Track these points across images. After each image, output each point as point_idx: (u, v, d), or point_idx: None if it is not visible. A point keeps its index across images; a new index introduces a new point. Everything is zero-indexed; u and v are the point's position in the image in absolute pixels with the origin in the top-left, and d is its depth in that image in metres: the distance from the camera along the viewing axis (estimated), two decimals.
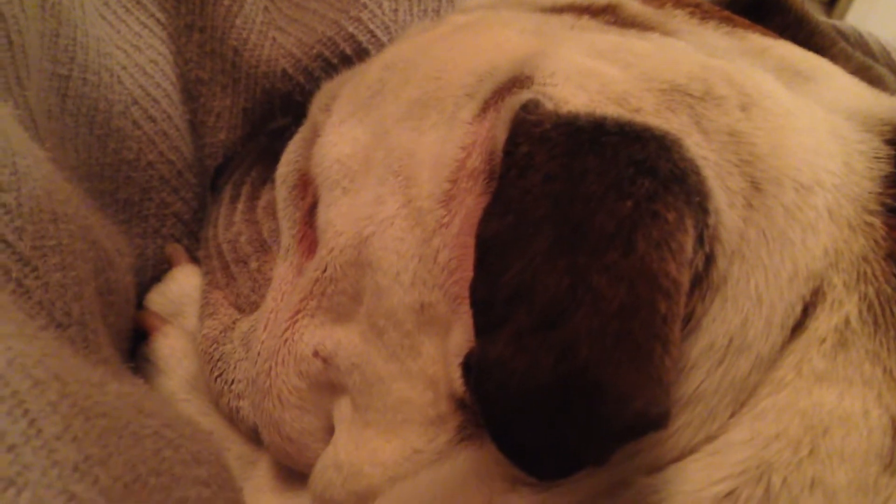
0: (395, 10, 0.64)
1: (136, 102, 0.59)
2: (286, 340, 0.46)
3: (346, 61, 0.63)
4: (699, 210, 0.32)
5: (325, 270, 0.44)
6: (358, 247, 0.42)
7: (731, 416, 0.34)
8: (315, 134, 0.50)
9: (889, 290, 0.35)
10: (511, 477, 0.36)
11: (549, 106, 0.36)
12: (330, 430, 0.46)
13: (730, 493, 0.33)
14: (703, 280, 0.33)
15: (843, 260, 0.35)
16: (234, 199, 0.58)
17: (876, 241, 0.36)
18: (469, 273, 0.34)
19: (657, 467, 0.34)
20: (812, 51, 0.48)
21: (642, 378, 0.29)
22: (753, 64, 0.42)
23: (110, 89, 0.56)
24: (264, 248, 0.55)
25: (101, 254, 0.45)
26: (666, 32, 0.45)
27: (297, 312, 0.46)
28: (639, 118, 0.36)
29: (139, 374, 0.51)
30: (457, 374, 0.37)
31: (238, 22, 0.62)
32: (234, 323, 0.54)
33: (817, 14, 0.58)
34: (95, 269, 0.44)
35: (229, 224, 0.57)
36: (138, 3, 0.62)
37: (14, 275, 0.36)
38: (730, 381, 0.34)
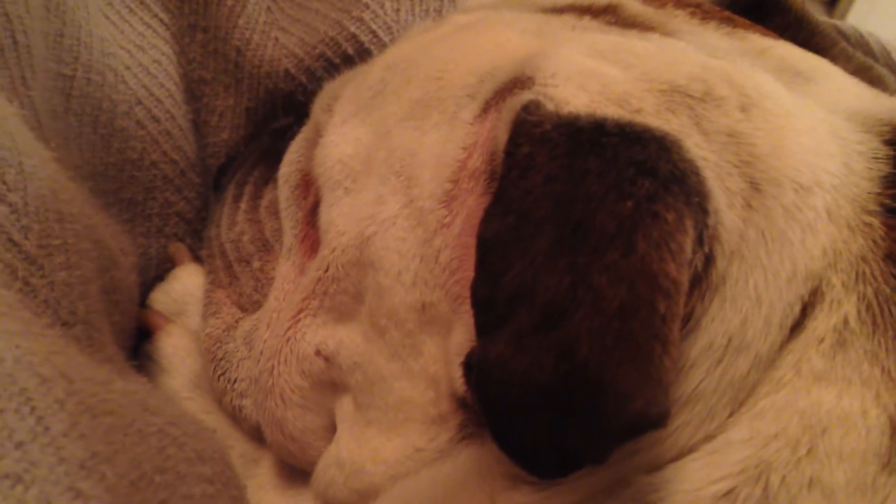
0: (398, 10, 0.65)
1: (139, 102, 0.59)
2: (288, 339, 0.46)
3: (349, 61, 0.63)
4: (699, 210, 0.32)
5: (327, 270, 0.44)
6: (360, 246, 0.43)
7: (730, 415, 0.35)
8: (317, 134, 0.50)
9: (887, 291, 0.35)
10: (512, 475, 0.36)
11: (550, 107, 0.36)
12: (332, 429, 0.46)
13: (729, 492, 0.33)
14: (702, 280, 0.33)
15: (841, 260, 0.36)
16: (237, 198, 0.58)
17: (874, 242, 0.36)
18: (470, 273, 0.34)
19: (656, 466, 0.35)
20: (812, 51, 0.48)
21: (642, 378, 0.29)
22: (754, 64, 0.43)
23: (114, 89, 0.57)
24: (267, 247, 0.56)
25: (106, 253, 0.46)
26: (666, 33, 0.45)
27: (300, 312, 0.46)
28: (639, 119, 0.36)
29: (143, 373, 0.51)
30: (458, 373, 0.37)
31: (241, 22, 0.63)
32: (236, 322, 0.54)
33: (818, 14, 0.58)
34: (100, 267, 0.44)
35: (232, 223, 0.57)
36: (142, 3, 0.62)
37: (20, 273, 0.36)
38: (729, 380, 0.34)
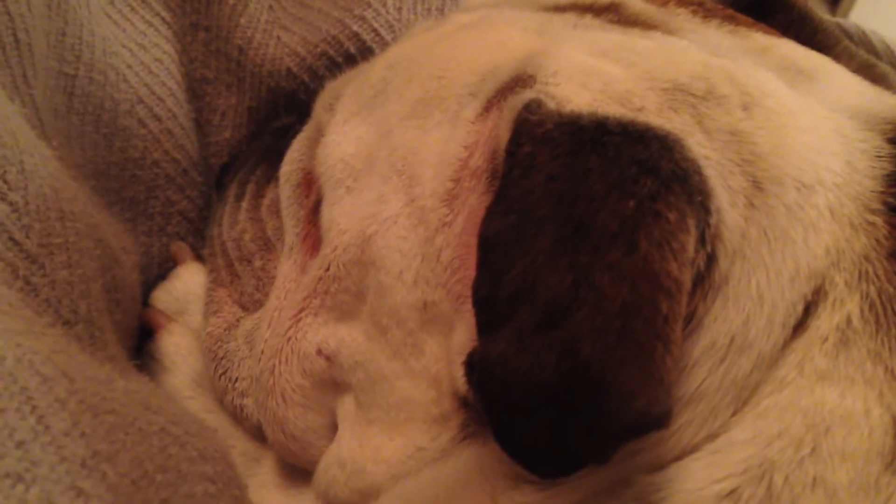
0: (400, 9, 0.65)
1: (141, 101, 0.59)
2: (290, 338, 0.46)
3: (351, 60, 0.63)
4: (701, 209, 0.32)
5: (328, 269, 0.44)
6: (361, 245, 0.43)
7: (733, 414, 0.35)
8: (319, 133, 0.50)
9: (891, 290, 0.35)
10: (514, 474, 0.36)
11: (552, 105, 0.36)
12: (333, 428, 0.46)
13: (732, 492, 0.33)
14: (704, 279, 0.33)
15: (844, 259, 0.35)
16: (239, 197, 0.58)
17: (878, 240, 0.36)
18: (472, 272, 0.34)
19: (659, 466, 0.34)
20: (815, 49, 0.48)
21: (644, 377, 0.29)
22: (756, 63, 0.42)
23: (116, 88, 0.57)
24: (268, 246, 0.56)
25: (108, 251, 0.46)
26: (668, 31, 0.45)
27: (301, 311, 0.46)
28: (641, 118, 0.36)
29: (144, 372, 0.51)
30: (460, 372, 0.37)
31: (243, 21, 0.63)
32: (238, 321, 0.54)
33: (821, 12, 0.58)
34: (102, 266, 0.44)
35: (234, 222, 0.57)
36: (143, 2, 0.62)
37: (22, 273, 0.36)
38: (731, 379, 0.34)
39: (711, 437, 0.34)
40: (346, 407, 0.44)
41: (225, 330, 0.54)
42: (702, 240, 0.32)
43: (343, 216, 0.44)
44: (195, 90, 0.64)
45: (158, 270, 0.62)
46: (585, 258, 0.30)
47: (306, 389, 0.46)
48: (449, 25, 0.49)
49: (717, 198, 0.33)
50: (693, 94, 0.37)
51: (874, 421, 0.33)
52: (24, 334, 0.30)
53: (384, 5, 0.64)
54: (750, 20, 0.48)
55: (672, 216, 0.31)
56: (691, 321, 0.34)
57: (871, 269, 0.35)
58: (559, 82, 0.38)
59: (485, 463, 0.37)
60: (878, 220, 0.36)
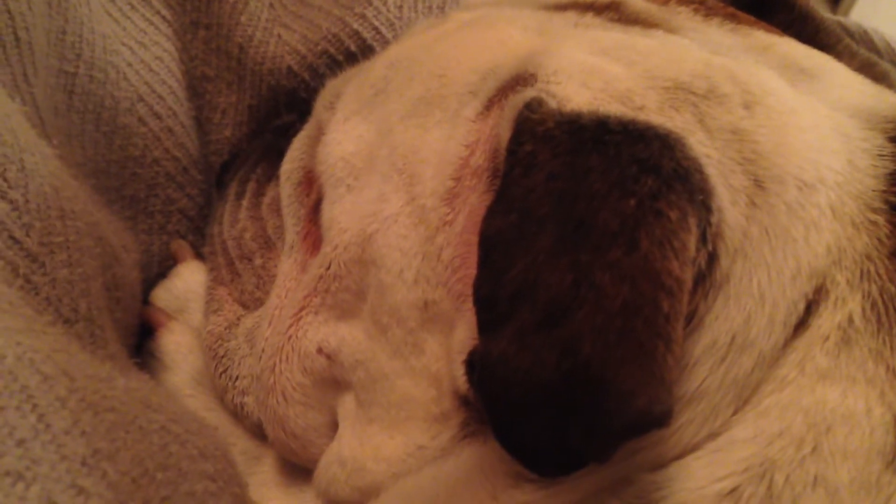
0: (400, 7, 0.64)
1: (141, 99, 0.59)
2: (290, 337, 0.46)
3: (351, 58, 0.63)
4: (702, 208, 0.32)
5: (329, 267, 0.44)
6: (362, 244, 0.43)
7: (734, 413, 0.35)
8: (320, 131, 0.50)
9: (892, 288, 0.35)
10: (515, 473, 0.36)
11: (553, 104, 0.36)
12: (334, 427, 0.46)
13: (733, 491, 0.33)
14: (706, 278, 0.33)
15: (846, 257, 0.35)
16: (240, 195, 0.58)
17: (879, 239, 0.36)
18: (472, 271, 0.34)
19: (660, 464, 0.34)
20: (816, 47, 0.48)
21: (645, 376, 0.29)
22: (757, 61, 0.42)
23: (116, 86, 0.57)
24: (269, 244, 0.56)
25: (108, 250, 0.46)
26: (670, 30, 0.45)
27: (302, 309, 0.46)
28: (642, 116, 0.36)
29: (145, 370, 0.51)
30: (460, 371, 0.37)
31: (243, 19, 0.63)
32: (238, 319, 0.54)
33: (822, 10, 0.58)
34: (102, 265, 0.44)
35: (234, 221, 0.57)
36: (144, 0, 0.62)
37: (22, 271, 0.36)
38: (732, 378, 0.34)
39: (712, 436, 0.34)
40: (346, 405, 0.44)
41: (225, 328, 0.54)
42: (703, 238, 0.32)
43: (344, 215, 0.44)
44: (196, 88, 0.64)
45: (159, 269, 0.62)
46: (586, 257, 0.30)
47: (307, 388, 0.46)
48: (450, 24, 0.49)
49: (718, 196, 0.33)
50: (694, 93, 0.37)
51: (875, 420, 0.33)
52: (25, 333, 0.30)
53: (385, 3, 0.64)
54: (751, 18, 0.48)
55: (673, 215, 0.31)
56: (692, 320, 0.34)
57: (872, 268, 0.35)
58: (560, 81, 0.38)
59: (485, 461, 0.37)
60: (880, 219, 0.36)
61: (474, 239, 0.35)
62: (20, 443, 0.25)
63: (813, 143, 0.37)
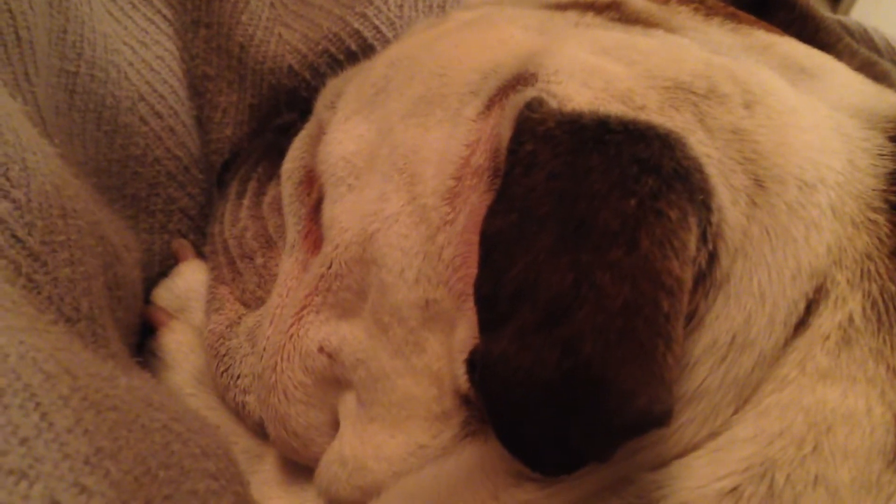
0: (401, 7, 0.64)
1: (142, 98, 0.59)
2: (291, 336, 0.46)
3: (352, 57, 0.63)
4: (702, 208, 0.32)
5: (330, 267, 0.44)
6: (363, 243, 0.43)
7: (735, 412, 0.35)
8: (320, 131, 0.50)
9: (893, 288, 0.35)
10: (516, 472, 0.36)
11: (553, 104, 0.36)
12: (335, 425, 0.46)
13: (733, 490, 0.33)
14: (706, 278, 0.33)
15: (846, 257, 0.35)
16: (240, 194, 0.58)
17: (880, 239, 0.36)
18: (473, 270, 0.34)
19: (661, 463, 0.35)
20: (817, 47, 0.48)
21: (645, 375, 0.29)
22: (758, 61, 0.42)
23: (117, 85, 0.57)
24: (270, 243, 0.56)
25: (109, 249, 0.46)
26: (670, 29, 0.45)
27: (303, 308, 0.46)
28: (643, 116, 0.36)
29: (146, 369, 0.51)
30: (461, 370, 0.37)
31: (244, 18, 0.63)
32: (239, 318, 0.54)
33: (822, 10, 0.58)
34: (104, 264, 0.44)
35: (235, 220, 0.57)
36: None
37: (24, 270, 0.36)
38: (733, 378, 0.34)
39: (713, 436, 0.34)
40: (347, 404, 0.44)
41: (227, 327, 0.54)
42: (703, 238, 0.32)
43: (345, 214, 0.44)
44: (196, 87, 0.64)
45: (160, 268, 0.62)
46: (587, 256, 0.30)
47: (308, 387, 0.46)
48: (450, 23, 0.49)
49: (718, 196, 0.33)
50: (694, 93, 0.37)
51: (876, 419, 0.33)
52: (27, 331, 0.30)
53: (386, 3, 0.64)
54: (752, 18, 0.48)
55: (673, 214, 0.31)
56: (692, 319, 0.34)
57: (872, 268, 0.35)
58: (561, 80, 0.38)
59: (486, 460, 0.37)
60: (880, 219, 0.36)
61: (475, 238, 0.35)
62: (23, 441, 0.26)
63: (813, 142, 0.37)
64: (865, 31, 0.72)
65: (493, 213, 0.34)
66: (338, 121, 0.48)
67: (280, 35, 0.63)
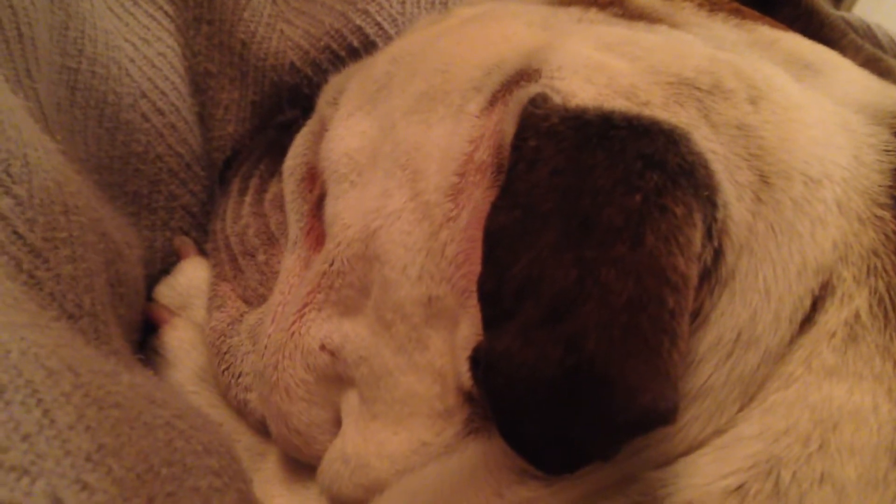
0: (403, 3, 0.64)
1: (144, 95, 0.59)
2: (293, 334, 0.46)
3: (354, 54, 0.63)
4: (708, 204, 0.32)
5: (332, 264, 0.44)
6: (365, 240, 0.42)
7: (740, 410, 0.34)
8: (323, 127, 0.50)
9: None
10: (520, 469, 0.36)
11: (557, 100, 0.36)
12: (337, 423, 0.46)
13: (739, 487, 0.33)
14: (711, 274, 0.33)
15: (852, 253, 0.35)
16: (243, 191, 0.58)
17: (886, 235, 0.36)
18: (477, 266, 0.34)
19: (665, 461, 0.34)
20: (821, 43, 0.47)
21: (650, 372, 0.29)
22: (762, 57, 0.42)
23: (119, 82, 0.57)
24: (272, 240, 0.56)
25: (111, 246, 0.46)
26: (674, 25, 0.44)
27: (305, 306, 0.46)
28: (647, 112, 0.36)
29: (148, 367, 0.51)
30: (464, 367, 0.37)
31: (246, 14, 0.63)
32: (241, 315, 0.54)
33: (826, 6, 0.58)
34: (106, 260, 0.44)
35: (237, 217, 0.57)
36: None
37: (26, 266, 0.36)
38: (738, 375, 0.34)
39: (718, 433, 0.34)
40: (350, 402, 0.44)
41: (228, 325, 0.54)
42: (708, 234, 0.32)
43: (347, 211, 0.44)
44: (198, 84, 0.64)
45: (162, 265, 0.62)
46: (591, 253, 0.30)
47: (310, 384, 0.46)
48: (452, 19, 0.49)
49: (723, 192, 0.33)
50: (699, 88, 0.37)
51: (882, 417, 0.33)
52: (29, 328, 0.30)
53: None
54: (756, 13, 0.48)
55: (678, 210, 0.30)
56: (698, 316, 0.34)
57: (879, 264, 0.35)
58: (564, 76, 0.38)
59: (490, 458, 0.37)
60: (886, 215, 0.36)
61: (478, 235, 0.35)
62: (25, 437, 0.25)
63: (818, 138, 0.37)
64: (869, 27, 0.72)
65: (496, 209, 0.34)
66: (340, 117, 0.48)
67: (282, 31, 0.63)
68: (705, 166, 0.32)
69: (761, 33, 0.45)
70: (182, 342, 0.57)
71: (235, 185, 0.59)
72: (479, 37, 0.45)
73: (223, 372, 0.53)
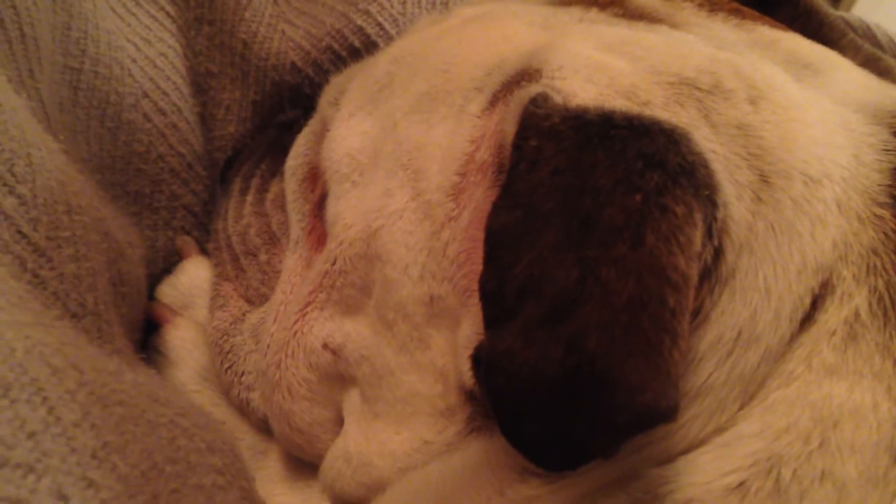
0: (404, 3, 0.64)
1: (146, 95, 0.59)
2: (296, 333, 0.46)
3: (355, 54, 0.63)
4: (708, 203, 0.32)
5: (334, 263, 0.44)
6: (367, 240, 0.43)
7: (741, 408, 0.35)
8: (324, 127, 0.50)
9: None
10: (521, 468, 0.36)
11: (558, 99, 0.36)
12: (340, 422, 0.46)
13: (740, 485, 0.33)
14: (711, 273, 0.33)
15: (852, 252, 0.35)
16: (244, 191, 0.58)
17: (885, 234, 0.36)
18: (478, 266, 0.34)
19: (667, 459, 0.35)
20: (821, 42, 0.48)
21: (651, 371, 0.29)
22: (762, 57, 0.42)
23: (121, 82, 0.57)
24: (273, 240, 0.56)
25: (114, 245, 0.46)
26: (674, 25, 0.45)
27: (307, 305, 0.46)
28: (647, 112, 0.36)
29: (150, 366, 0.52)
30: (466, 366, 0.37)
31: (247, 15, 0.63)
32: (243, 315, 0.54)
33: (825, 6, 0.58)
34: (108, 260, 0.44)
35: (239, 216, 0.57)
36: None
37: (29, 266, 0.36)
38: (738, 373, 0.34)
39: (719, 431, 0.34)
40: (351, 401, 0.44)
41: (231, 324, 0.54)
42: (708, 234, 0.32)
43: (349, 210, 0.44)
44: (200, 84, 0.64)
45: (164, 265, 0.62)
46: (592, 252, 0.30)
47: (312, 383, 0.46)
48: (453, 20, 0.49)
49: (723, 192, 0.33)
50: (699, 88, 0.37)
51: (882, 415, 0.33)
52: (34, 326, 0.30)
53: (388, 0, 0.64)
54: (755, 13, 0.48)
55: (679, 210, 0.31)
56: (698, 315, 0.34)
57: (879, 263, 0.35)
58: (565, 76, 0.38)
59: (492, 456, 0.37)
60: (886, 214, 0.36)
61: (480, 234, 0.35)
62: (31, 435, 0.26)
63: (818, 137, 0.37)
64: (868, 27, 0.72)
65: (497, 209, 0.34)
66: (341, 117, 0.48)
67: (283, 32, 0.63)
68: (705, 166, 0.33)
69: (761, 33, 0.45)
70: (184, 341, 0.57)
71: (237, 185, 0.59)
72: (480, 37, 0.45)
73: (225, 371, 0.53)
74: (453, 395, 0.39)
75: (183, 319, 0.58)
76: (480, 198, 0.39)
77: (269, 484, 0.50)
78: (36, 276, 0.36)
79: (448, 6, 0.66)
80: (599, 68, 0.38)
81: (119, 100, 0.56)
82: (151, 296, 0.59)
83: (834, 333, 0.35)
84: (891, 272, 0.35)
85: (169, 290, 0.60)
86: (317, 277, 0.46)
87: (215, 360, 0.54)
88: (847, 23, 0.67)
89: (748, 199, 0.35)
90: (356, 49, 0.64)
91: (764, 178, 0.35)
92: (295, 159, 0.53)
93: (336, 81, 0.53)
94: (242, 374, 0.52)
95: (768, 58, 0.42)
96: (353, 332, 0.44)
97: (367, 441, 0.42)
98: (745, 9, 0.48)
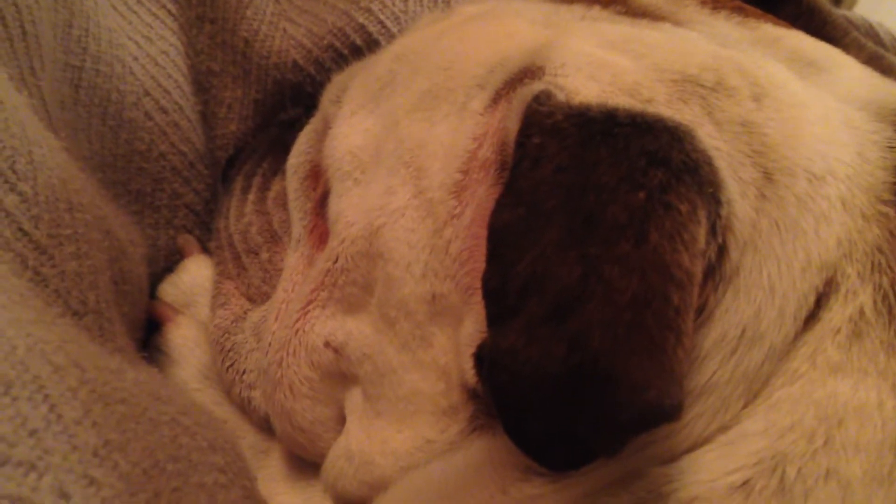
0: (405, 1, 0.64)
1: (147, 93, 0.59)
2: (297, 331, 0.46)
3: (357, 52, 0.63)
4: (712, 201, 0.32)
5: (336, 261, 0.44)
6: (369, 238, 0.42)
7: (745, 406, 0.34)
8: (326, 125, 0.50)
9: None
10: (524, 466, 0.36)
11: (561, 97, 0.36)
12: (341, 421, 0.46)
13: (744, 483, 0.33)
14: (715, 271, 0.33)
15: (856, 250, 0.35)
16: (246, 189, 0.58)
17: (890, 231, 0.36)
18: (481, 264, 0.34)
19: (671, 458, 0.34)
20: (824, 40, 0.48)
21: (655, 369, 0.29)
22: (765, 54, 0.42)
23: (122, 80, 0.57)
24: (275, 238, 0.56)
25: (115, 243, 0.46)
26: (677, 22, 0.44)
27: (309, 303, 0.46)
28: (651, 109, 0.36)
29: (152, 364, 0.51)
30: (469, 364, 0.37)
31: (249, 13, 0.63)
32: (245, 313, 0.54)
33: (828, 4, 0.58)
34: (110, 258, 0.44)
35: (240, 215, 0.57)
36: None
37: (31, 263, 0.36)
38: (743, 371, 0.34)
39: (723, 429, 0.34)
40: (354, 399, 0.44)
41: (232, 322, 0.54)
42: (713, 231, 0.32)
43: (351, 208, 0.44)
44: (201, 82, 0.64)
45: (165, 263, 0.62)
46: (595, 250, 0.30)
47: (314, 382, 0.46)
48: (455, 17, 0.49)
49: (727, 189, 0.33)
50: (703, 86, 0.37)
51: (887, 413, 0.33)
52: (35, 324, 0.30)
53: None
54: (759, 11, 0.48)
55: (683, 207, 0.31)
56: (702, 313, 0.34)
57: (883, 260, 0.35)
58: (568, 74, 0.38)
59: (494, 455, 0.37)
60: (891, 211, 0.36)
61: (482, 232, 0.35)
62: (32, 433, 0.26)
63: (822, 135, 0.37)
64: (871, 26, 0.72)
65: (500, 206, 0.34)
66: (343, 115, 0.48)
67: (285, 30, 0.63)
68: (709, 163, 0.32)
69: (764, 31, 0.45)
70: (186, 340, 0.57)
71: (238, 184, 0.59)
72: (482, 34, 0.45)
73: (227, 369, 0.53)
74: (456, 394, 0.39)
75: (184, 318, 0.58)
76: (483, 195, 0.38)
77: (270, 483, 0.50)
78: (37, 273, 0.36)
79: (450, 4, 0.66)
80: (602, 66, 0.38)
81: (120, 98, 0.56)
82: (153, 294, 0.59)
83: (838, 331, 0.34)
84: (895, 270, 0.35)
85: (170, 289, 0.60)
86: (318, 275, 0.46)
87: (217, 359, 0.54)
88: (850, 21, 0.67)
89: (752, 196, 0.35)
90: (358, 47, 0.64)
91: (768, 176, 0.35)
92: (297, 157, 0.53)
93: (338, 79, 0.53)
94: (244, 372, 0.52)
95: (771, 55, 0.42)
96: (355, 331, 0.44)
97: (369, 440, 0.42)
98: (747, 6, 0.48)
